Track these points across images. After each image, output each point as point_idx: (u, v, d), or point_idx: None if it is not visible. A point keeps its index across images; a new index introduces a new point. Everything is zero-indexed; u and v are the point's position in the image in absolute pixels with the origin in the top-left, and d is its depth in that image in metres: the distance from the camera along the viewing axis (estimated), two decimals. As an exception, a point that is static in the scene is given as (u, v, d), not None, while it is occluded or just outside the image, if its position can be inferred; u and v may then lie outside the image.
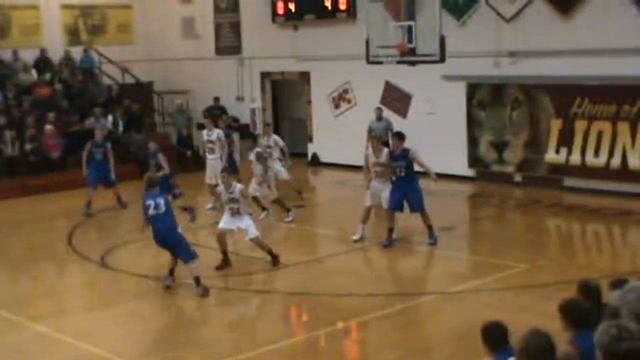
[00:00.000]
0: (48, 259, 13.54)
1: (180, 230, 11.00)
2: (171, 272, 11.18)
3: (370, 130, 18.96)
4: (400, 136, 13.30)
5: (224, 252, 12.09)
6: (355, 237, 13.44)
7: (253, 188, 14.71)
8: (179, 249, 10.95)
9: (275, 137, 16.68)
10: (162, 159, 15.42)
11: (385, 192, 13.16)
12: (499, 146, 18.03)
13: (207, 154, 16.50)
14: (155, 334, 9.79)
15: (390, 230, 13.15)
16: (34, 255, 13.87)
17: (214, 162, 16.15)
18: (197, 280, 10.97)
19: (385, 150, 13.32)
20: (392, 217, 13.17)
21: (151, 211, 10.84)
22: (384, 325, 9.93)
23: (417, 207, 13.09)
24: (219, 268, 11.99)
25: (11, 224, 16.05)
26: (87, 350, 9.30)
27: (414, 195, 13.02)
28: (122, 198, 16.64)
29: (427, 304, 10.65)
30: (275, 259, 12.15)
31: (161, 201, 10.91)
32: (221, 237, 12.05)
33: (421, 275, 12.49)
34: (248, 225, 11.96)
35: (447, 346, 9.23)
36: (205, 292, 10.94)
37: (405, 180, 12.99)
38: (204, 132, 16.81)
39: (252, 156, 15.27)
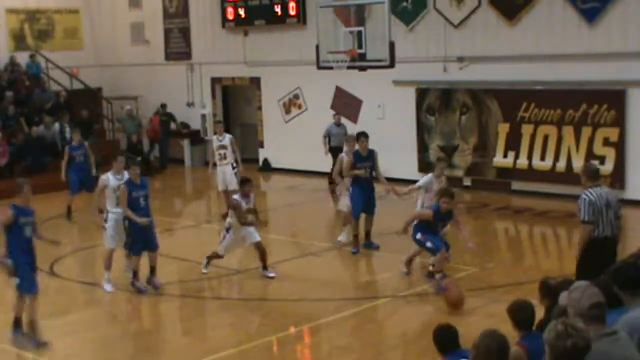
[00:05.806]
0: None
1: None
2: None
3: (327, 135, 18.98)
4: (367, 136, 13.14)
5: None
6: (340, 238, 13.57)
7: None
8: None
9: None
10: None
11: (345, 198, 13.23)
12: (448, 150, 18.22)
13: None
14: (102, 343, 9.68)
15: (356, 237, 13.09)
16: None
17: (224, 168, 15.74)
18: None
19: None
20: (357, 224, 13.12)
21: None
22: (335, 329, 9.97)
23: (373, 209, 13.11)
24: None
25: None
26: (36, 361, 9.18)
27: (372, 197, 13.06)
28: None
29: (378, 308, 10.72)
30: None
31: None
32: None
33: (372, 279, 12.55)
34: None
35: (398, 349, 9.31)
36: None
37: (369, 181, 13.00)
38: (215, 137, 16.10)
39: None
